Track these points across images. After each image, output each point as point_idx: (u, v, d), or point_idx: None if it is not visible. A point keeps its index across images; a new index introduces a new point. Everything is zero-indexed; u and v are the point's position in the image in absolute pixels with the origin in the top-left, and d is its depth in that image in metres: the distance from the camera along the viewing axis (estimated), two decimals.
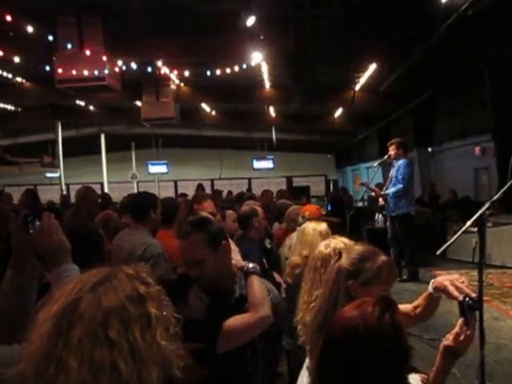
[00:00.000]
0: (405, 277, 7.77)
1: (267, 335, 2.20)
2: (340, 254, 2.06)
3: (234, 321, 2.11)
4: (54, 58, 9.88)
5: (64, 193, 15.94)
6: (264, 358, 2.26)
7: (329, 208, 13.12)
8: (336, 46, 9.34)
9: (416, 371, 2.11)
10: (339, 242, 2.42)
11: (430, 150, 14.06)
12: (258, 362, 2.23)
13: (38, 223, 1.79)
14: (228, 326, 2.06)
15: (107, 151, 19.84)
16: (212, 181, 20.12)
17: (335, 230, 3.66)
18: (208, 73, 10.72)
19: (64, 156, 17.40)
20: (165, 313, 1.07)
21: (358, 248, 2.08)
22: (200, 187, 11.21)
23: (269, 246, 5.30)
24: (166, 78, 12.44)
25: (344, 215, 9.11)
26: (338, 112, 15.26)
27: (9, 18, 7.59)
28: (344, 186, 18.59)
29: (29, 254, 1.84)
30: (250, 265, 2.30)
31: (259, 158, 18.78)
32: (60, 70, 9.69)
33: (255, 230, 4.77)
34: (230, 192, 12.59)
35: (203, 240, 2.16)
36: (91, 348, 0.96)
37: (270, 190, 9.29)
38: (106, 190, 16.74)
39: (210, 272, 2.16)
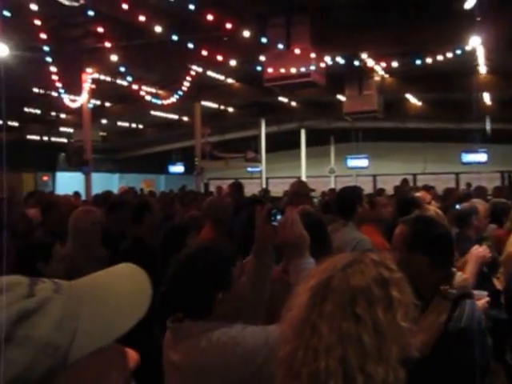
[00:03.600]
0: None
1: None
2: None
3: None
4: (262, 59, 10.50)
5: (264, 187, 16.96)
6: None
7: None
8: None
9: None
10: None
11: None
12: None
13: (279, 217, 1.90)
14: None
15: (306, 146, 20.43)
16: (414, 176, 19.17)
17: None
18: (418, 62, 10.18)
19: (265, 151, 18.50)
20: (405, 298, 1.18)
21: None
22: (405, 182, 10.76)
23: None
24: (370, 70, 12.22)
25: None
26: None
27: (229, 25, 8.25)
28: None
29: (270, 244, 1.97)
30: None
31: (469, 151, 17.19)
32: (270, 70, 10.24)
33: (474, 229, 4.51)
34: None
35: (405, 234, 2.24)
36: (340, 319, 1.10)
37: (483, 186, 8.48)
38: None
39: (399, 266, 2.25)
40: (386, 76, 12.91)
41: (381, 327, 1.11)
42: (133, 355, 0.76)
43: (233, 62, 10.58)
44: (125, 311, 0.64)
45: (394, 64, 10.73)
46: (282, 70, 10.06)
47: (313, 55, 9.80)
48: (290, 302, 1.22)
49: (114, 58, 9.94)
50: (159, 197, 10.47)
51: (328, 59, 10.38)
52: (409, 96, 14.54)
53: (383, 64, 11.19)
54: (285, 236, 1.87)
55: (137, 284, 0.68)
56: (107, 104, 15.83)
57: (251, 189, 16.79)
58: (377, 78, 12.82)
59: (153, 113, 16.69)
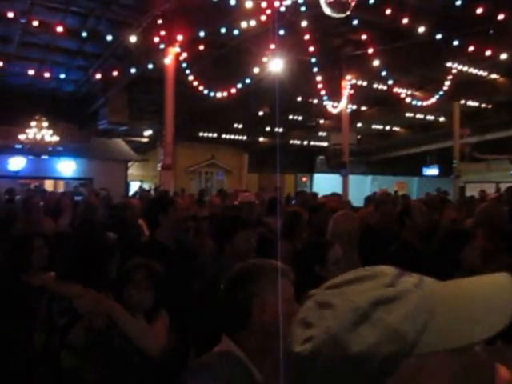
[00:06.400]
0: None
1: None
2: None
3: None
4: None
5: None
6: None
7: None
8: None
9: None
10: None
11: None
12: None
13: None
14: None
15: None
16: None
17: None
18: None
19: None
20: None
21: None
22: None
23: None
24: None
25: None
26: None
27: (501, 16, 7.65)
28: None
29: None
30: None
31: None
32: None
33: None
34: None
35: None
36: None
37: None
38: None
39: None
40: None
41: None
42: (505, 373, 0.70)
43: (503, 56, 9.70)
44: (480, 321, 0.61)
45: None
46: None
47: None
48: None
49: (375, 63, 10.19)
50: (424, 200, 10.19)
51: None
52: None
53: None
54: None
55: (501, 298, 0.62)
56: (363, 108, 16.27)
57: None
58: None
59: (407, 114, 16.46)
